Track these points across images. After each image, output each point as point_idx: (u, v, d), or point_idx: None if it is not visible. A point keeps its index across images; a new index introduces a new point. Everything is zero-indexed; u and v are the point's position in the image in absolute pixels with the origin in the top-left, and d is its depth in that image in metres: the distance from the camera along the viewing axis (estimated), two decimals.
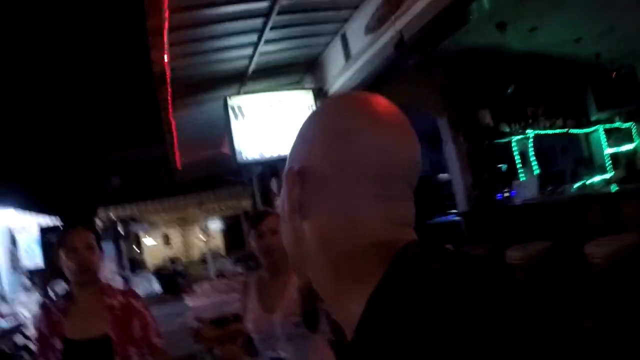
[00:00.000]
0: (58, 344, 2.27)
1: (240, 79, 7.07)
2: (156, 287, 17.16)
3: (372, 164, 0.71)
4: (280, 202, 0.78)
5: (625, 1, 6.13)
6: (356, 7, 5.70)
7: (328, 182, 0.72)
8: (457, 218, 7.73)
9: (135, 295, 2.56)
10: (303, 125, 0.79)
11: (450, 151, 7.65)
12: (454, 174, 7.71)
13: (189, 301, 7.54)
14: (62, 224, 14.02)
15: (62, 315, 2.35)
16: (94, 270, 2.39)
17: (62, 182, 19.08)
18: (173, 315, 10.41)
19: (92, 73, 21.44)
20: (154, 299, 15.40)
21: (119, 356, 2.27)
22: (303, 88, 7.44)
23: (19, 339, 8.66)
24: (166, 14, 4.32)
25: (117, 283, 14.63)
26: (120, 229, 18.93)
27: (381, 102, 0.77)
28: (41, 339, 2.38)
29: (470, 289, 0.59)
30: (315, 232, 0.73)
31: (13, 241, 13.63)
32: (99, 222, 17.37)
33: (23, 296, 12.17)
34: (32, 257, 13.62)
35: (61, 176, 19.34)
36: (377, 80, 6.17)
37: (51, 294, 11.28)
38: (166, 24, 4.51)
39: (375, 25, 5.32)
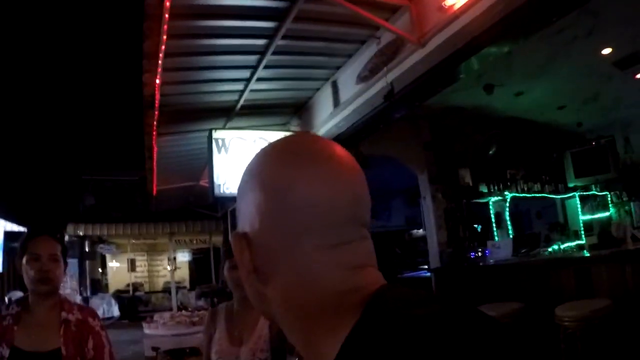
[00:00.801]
0: (5, 351, 2.17)
1: (228, 114, 7.08)
2: (115, 311, 16.72)
3: (310, 216, 0.70)
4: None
5: (610, 70, 6.36)
6: (350, 55, 5.80)
7: (273, 243, 0.71)
8: (428, 274, 7.71)
9: (94, 314, 2.47)
10: (241, 182, 0.79)
11: (427, 207, 7.72)
12: (429, 230, 7.74)
13: (147, 329, 7.31)
14: (27, 230, 13.58)
15: (14, 322, 2.24)
16: (55, 282, 2.30)
17: (35, 192, 18.69)
18: (129, 342, 10.16)
19: (80, 91, 21.22)
20: (111, 322, 14.99)
21: None
22: (289, 130, 7.48)
23: None
24: (164, 39, 4.32)
25: (76, 300, 14.21)
26: (87, 247, 18.52)
27: (313, 145, 0.76)
28: None
29: (459, 334, 0.58)
30: (277, 295, 0.72)
31: None
32: (66, 238, 16.96)
33: None
34: None
35: (34, 186, 18.95)
36: (363, 130, 6.24)
37: (6, 301, 10.87)
38: (163, 48, 4.50)
39: (367, 75, 5.40)
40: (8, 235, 13.55)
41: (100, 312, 15.32)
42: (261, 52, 5.34)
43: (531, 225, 9.70)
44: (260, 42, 5.14)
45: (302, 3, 4.37)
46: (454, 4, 4.07)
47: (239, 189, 0.79)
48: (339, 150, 0.76)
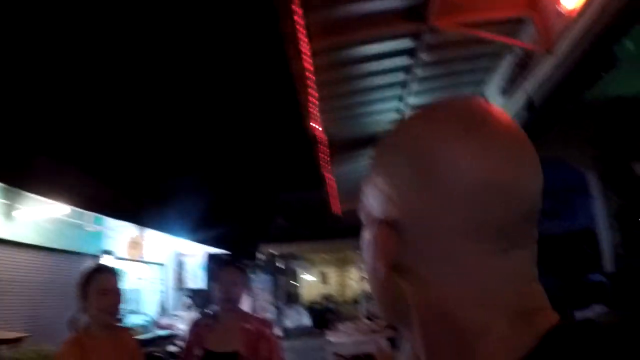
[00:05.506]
0: (199, 352, 2.90)
1: None
2: (306, 320, 17.94)
3: (479, 203, 0.54)
4: (368, 259, 0.63)
5: None
6: (490, 69, 5.96)
7: (427, 234, 0.56)
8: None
9: (268, 325, 3.12)
10: (383, 156, 0.64)
11: (598, 207, 7.38)
12: (601, 231, 7.39)
13: (331, 337, 8.06)
14: (227, 254, 15.64)
15: (207, 330, 2.96)
16: (236, 300, 2.99)
17: (232, 219, 20.79)
18: (316, 349, 11.11)
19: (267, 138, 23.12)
20: (302, 331, 16.20)
21: None
22: None
23: (171, 347, 9.96)
24: (315, 93, 5.12)
25: (270, 312, 15.84)
26: (280, 264, 20.25)
27: (483, 109, 0.60)
28: (187, 346, 2.99)
29: None
30: (422, 299, 0.58)
31: (180, 264, 15.50)
32: (260, 256, 18.77)
33: (182, 312, 13.76)
34: (196, 279, 15.39)
35: (231, 214, 21.07)
36: None
37: (207, 312, 12.66)
38: (315, 98, 5.26)
39: (508, 88, 5.53)
40: (209, 257, 15.66)
41: (292, 322, 16.84)
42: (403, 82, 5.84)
43: None
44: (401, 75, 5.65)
45: (429, 37, 4.77)
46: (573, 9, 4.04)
47: (376, 164, 0.64)
48: (516, 124, 0.60)
